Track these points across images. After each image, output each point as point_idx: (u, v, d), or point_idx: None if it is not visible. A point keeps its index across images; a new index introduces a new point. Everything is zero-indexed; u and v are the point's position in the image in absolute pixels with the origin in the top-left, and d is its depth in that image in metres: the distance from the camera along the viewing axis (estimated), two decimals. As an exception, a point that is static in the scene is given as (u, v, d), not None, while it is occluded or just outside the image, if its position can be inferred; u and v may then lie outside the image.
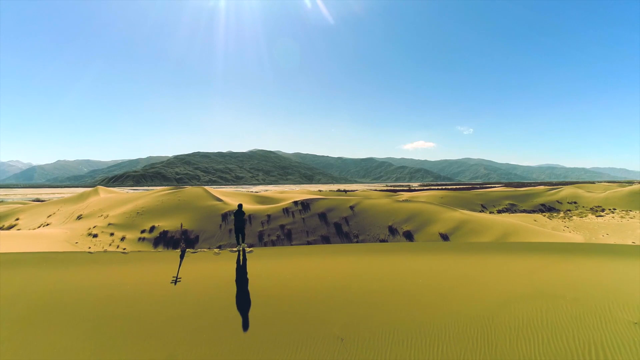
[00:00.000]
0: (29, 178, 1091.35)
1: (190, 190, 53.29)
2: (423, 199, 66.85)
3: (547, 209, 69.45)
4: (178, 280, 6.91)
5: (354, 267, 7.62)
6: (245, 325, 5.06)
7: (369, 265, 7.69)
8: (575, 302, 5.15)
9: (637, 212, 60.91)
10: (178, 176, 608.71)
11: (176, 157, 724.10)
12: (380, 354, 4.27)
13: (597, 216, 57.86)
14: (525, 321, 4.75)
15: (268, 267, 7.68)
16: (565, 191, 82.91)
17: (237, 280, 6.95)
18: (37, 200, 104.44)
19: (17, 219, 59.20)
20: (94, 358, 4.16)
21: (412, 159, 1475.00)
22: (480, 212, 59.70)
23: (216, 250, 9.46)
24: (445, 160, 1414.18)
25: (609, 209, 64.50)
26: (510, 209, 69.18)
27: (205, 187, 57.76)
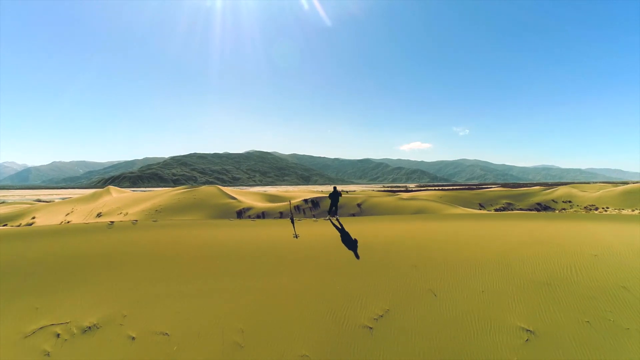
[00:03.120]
0: (24, 179, 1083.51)
1: (205, 189, 55.82)
2: (423, 197, 69.57)
3: (543, 207, 72.30)
4: (297, 236, 9.86)
5: (404, 228, 10.90)
6: (351, 260, 7.99)
7: (414, 227, 10.98)
8: (559, 246, 8.22)
9: (629, 210, 64.14)
10: (175, 177, 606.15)
11: (173, 158, 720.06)
12: (440, 273, 7.14)
13: (589, 214, 60.82)
14: (528, 255, 7.78)
15: (348, 227, 10.76)
16: (560, 191, 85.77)
17: (339, 235, 10.31)
18: (39, 200, 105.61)
19: (34, 218, 61.10)
20: (275, 278, 7.05)
21: (408, 160, 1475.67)
22: (479, 210, 62.55)
23: (314, 218, 12.40)
24: (442, 161, 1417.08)
25: (602, 208, 67.44)
26: (507, 208, 71.98)
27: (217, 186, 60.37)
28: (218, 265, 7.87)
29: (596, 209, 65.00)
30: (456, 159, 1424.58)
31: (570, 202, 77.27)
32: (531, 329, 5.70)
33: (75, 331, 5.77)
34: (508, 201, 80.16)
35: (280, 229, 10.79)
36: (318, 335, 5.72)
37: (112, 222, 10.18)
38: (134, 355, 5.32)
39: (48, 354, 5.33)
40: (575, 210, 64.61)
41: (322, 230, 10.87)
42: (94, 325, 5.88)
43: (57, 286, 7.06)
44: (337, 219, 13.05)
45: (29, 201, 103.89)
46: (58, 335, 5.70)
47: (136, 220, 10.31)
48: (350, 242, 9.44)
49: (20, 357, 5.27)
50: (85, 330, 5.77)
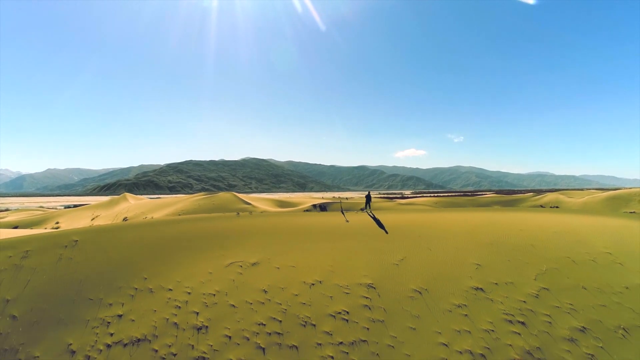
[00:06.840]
0: (19, 187, 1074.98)
1: (222, 195, 61.28)
2: (420, 203, 74.98)
3: (529, 212, 77.35)
4: (348, 221, 15.33)
5: (411, 217, 16.38)
6: (384, 233, 13.56)
7: (417, 216, 16.45)
8: (502, 225, 13.82)
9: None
10: (171, 184, 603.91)
11: (169, 166, 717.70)
12: (433, 240, 12.74)
13: (570, 217, 66.36)
14: (484, 230, 13.33)
15: (379, 216, 16.30)
16: (549, 197, 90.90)
17: (373, 220, 15.74)
18: (41, 207, 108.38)
19: (57, 223, 65.58)
20: (348, 242, 12.59)
21: (403, 167, 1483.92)
22: (470, 214, 67.86)
23: (355, 211, 17.93)
24: (437, 168, 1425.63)
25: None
26: (497, 212, 77.24)
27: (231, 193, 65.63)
28: (306, 237, 13.40)
29: (580, 213, 70.74)
30: (451, 165, 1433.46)
31: (557, 207, 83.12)
32: (480, 263, 11.27)
33: (248, 264, 11.34)
34: (499, 207, 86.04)
35: (334, 217, 16.39)
36: (370, 268, 11.27)
37: (239, 212, 15.59)
38: (281, 275, 10.86)
39: (241, 273, 10.85)
40: (559, 215, 70.46)
41: (362, 218, 16.53)
42: (256, 262, 11.47)
43: (227, 245, 12.69)
44: (371, 211, 18.91)
45: (36, 208, 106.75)
46: (241, 266, 11.23)
47: (251, 212, 15.69)
48: (380, 224, 15.08)
49: (228, 274, 10.79)
50: (253, 264, 11.33)
